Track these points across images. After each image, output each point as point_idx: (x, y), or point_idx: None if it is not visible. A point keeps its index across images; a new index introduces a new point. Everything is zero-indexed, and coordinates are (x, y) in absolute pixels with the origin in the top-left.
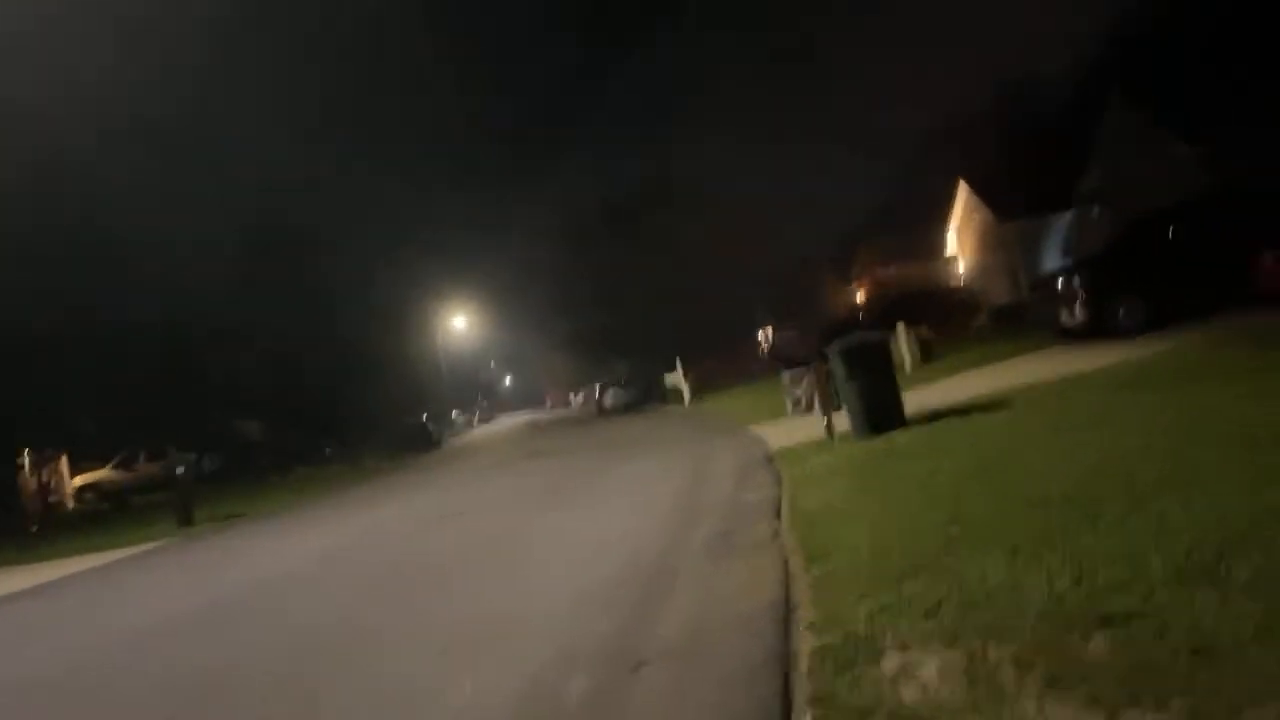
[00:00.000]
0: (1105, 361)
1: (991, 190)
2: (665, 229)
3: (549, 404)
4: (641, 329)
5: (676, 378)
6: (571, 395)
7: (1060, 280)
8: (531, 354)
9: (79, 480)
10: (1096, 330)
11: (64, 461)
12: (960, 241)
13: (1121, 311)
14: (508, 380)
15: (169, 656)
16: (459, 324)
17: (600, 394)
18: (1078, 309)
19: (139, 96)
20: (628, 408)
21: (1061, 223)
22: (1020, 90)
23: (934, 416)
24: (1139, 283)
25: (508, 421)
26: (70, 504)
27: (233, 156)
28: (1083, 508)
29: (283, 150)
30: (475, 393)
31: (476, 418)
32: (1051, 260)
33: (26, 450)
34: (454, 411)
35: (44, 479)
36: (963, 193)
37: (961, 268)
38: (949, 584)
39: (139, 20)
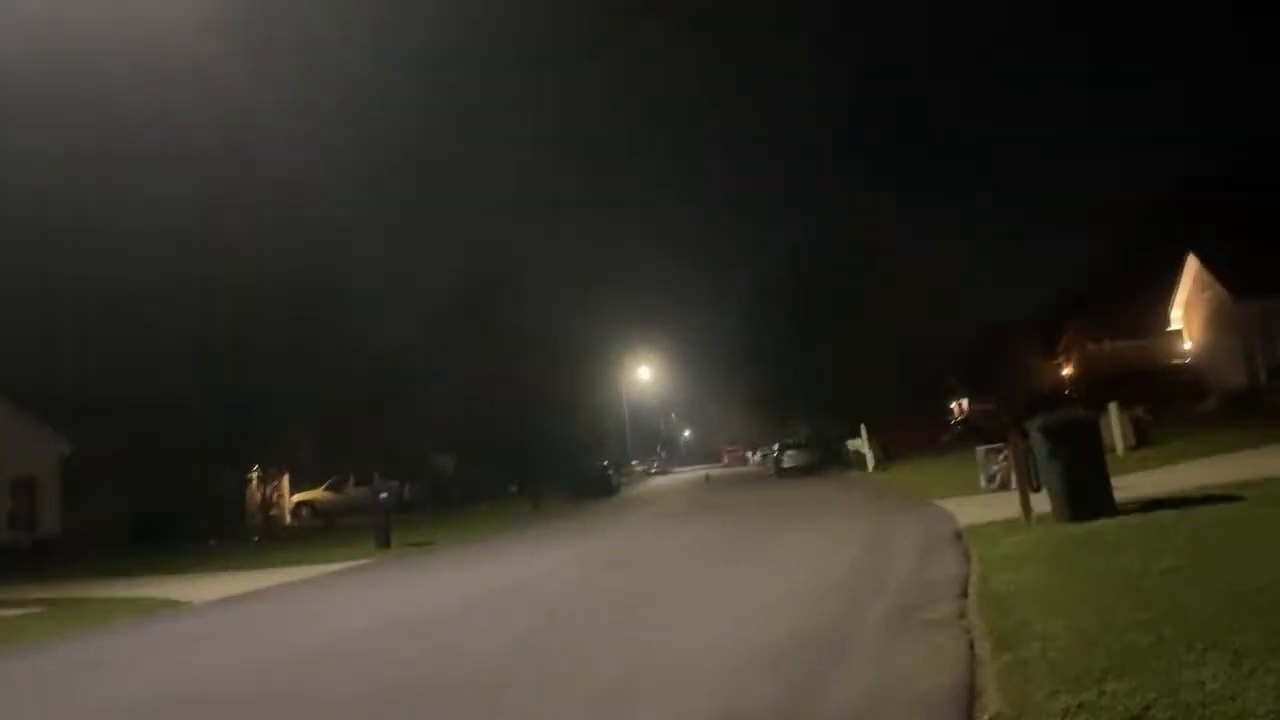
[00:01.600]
0: None
1: (1227, 265)
2: (857, 292)
3: (725, 460)
4: (827, 392)
5: (860, 444)
6: (749, 454)
7: None
8: (712, 410)
9: (297, 498)
10: None
11: (286, 480)
12: (1187, 320)
13: None
14: (686, 433)
15: (368, 658)
16: (644, 375)
17: (779, 454)
18: None
19: (366, 149)
20: (807, 470)
21: None
22: (1262, 154)
23: (1148, 506)
24: None
25: (684, 475)
26: (288, 519)
27: (448, 203)
28: None
29: (493, 201)
30: (655, 444)
31: (654, 468)
32: None
33: (256, 467)
34: (634, 461)
35: (268, 494)
36: (1192, 266)
37: (1187, 347)
38: (1159, 687)
39: (363, 78)
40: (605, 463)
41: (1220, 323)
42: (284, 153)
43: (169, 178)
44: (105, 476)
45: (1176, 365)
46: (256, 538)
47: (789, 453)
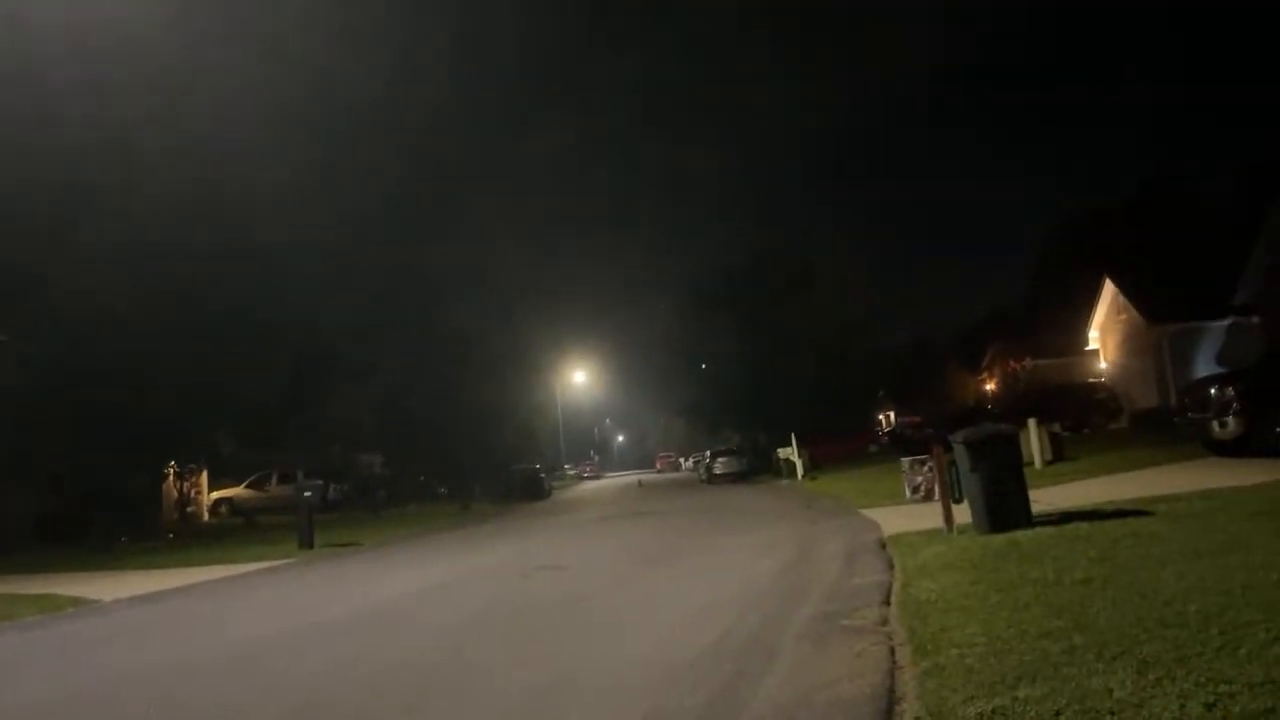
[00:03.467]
0: (1258, 479)
1: (1141, 290)
2: (789, 304)
3: (658, 466)
4: (758, 402)
5: (790, 452)
6: (682, 460)
7: (1213, 389)
8: (645, 416)
9: (216, 494)
10: (1249, 445)
11: (204, 476)
12: (1103, 340)
13: (1279, 428)
14: (620, 439)
15: (278, 666)
16: (578, 379)
17: (711, 461)
18: (1230, 420)
19: (298, 121)
20: (737, 478)
21: (1217, 330)
22: (1176, 184)
23: (1063, 518)
24: None
25: (617, 480)
26: (206, 516)
27: (370, 205)
28: (1223, 630)
29: (420, 202)
30: (588, 449)
31: (587, 472)
32: (1203, 368)
33: (173, 462)
34: (566, 465)
35: (184, 490)
36: (1109, 290)
37: (1103, 366)
38: (1069, 694)
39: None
40: (537, 466)
41: (1134, 345)
42: (210, 118)
43: (82, 149)
44: (10, 472)
45: (1093, 384)
46: (171, 535)
47: (720, 460)
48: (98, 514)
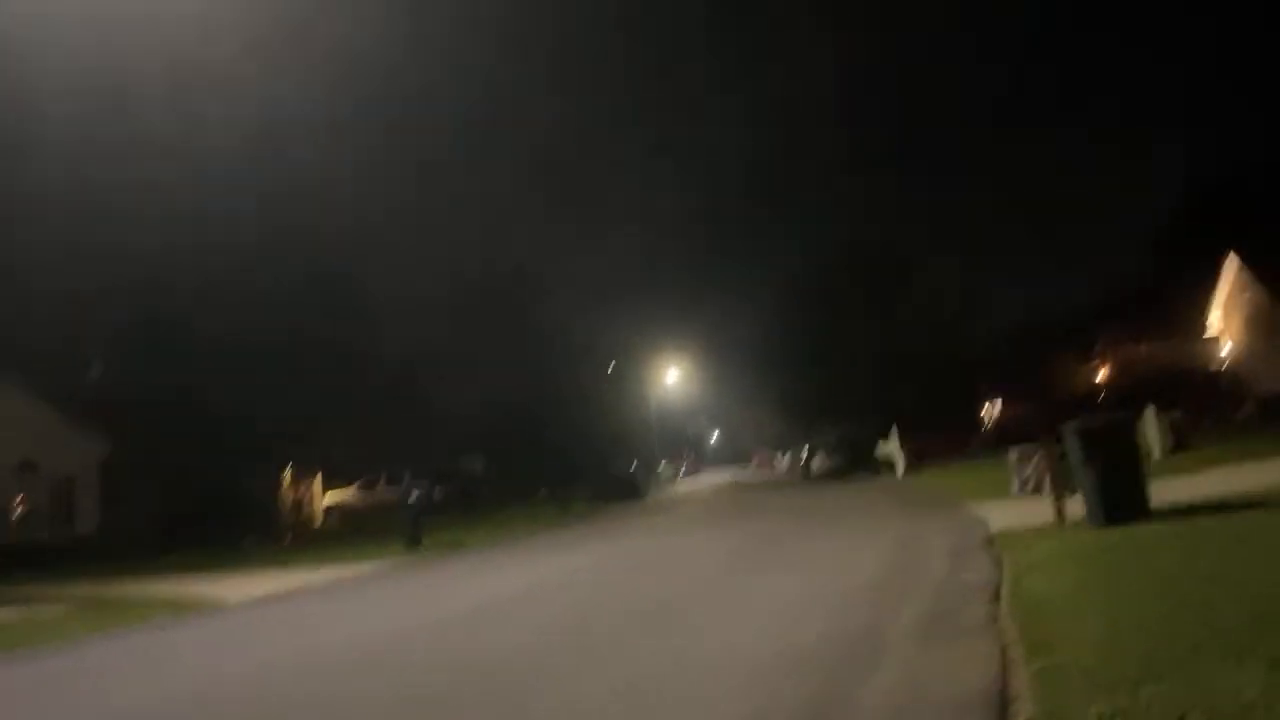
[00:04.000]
0: None
1: (1269, 266)
2: (887, 294)
3: (755, 463)
4: (857, 395)
5: (890, 448)
6: (778, 456)
7: None
8: (741, 412)
9: (327, 500)
10: None
11: (318, 481)
12: (1226, 322)
13: None
14: (715, 436)
15: (397, 661)
16: (672, 377)
17: (808, 457)
18: None
19: (391, 164)
20: (835, 474)
21: None
22: None
23: (1185, 511)
24: None
25: (712, 478)
26: (319, 520)
27: (463, 208)
28: None
29: (513, 205)
30: (683, 446)
31: (683, 471)
32: None
33: (290, 467)
34: (661, 463)
35: (300, 494)
36: (1232, 266)
37: (1226, 351)
38: (1195, 694)
39: (381, 83)
40: (633, 466)
41: (1260, 325)
42: (305, 161)
43: (194, 186)
44: (142, 476)
45: (1215, 369)
46: (289, 538)
47: (818, 456)
48: (221, 517)
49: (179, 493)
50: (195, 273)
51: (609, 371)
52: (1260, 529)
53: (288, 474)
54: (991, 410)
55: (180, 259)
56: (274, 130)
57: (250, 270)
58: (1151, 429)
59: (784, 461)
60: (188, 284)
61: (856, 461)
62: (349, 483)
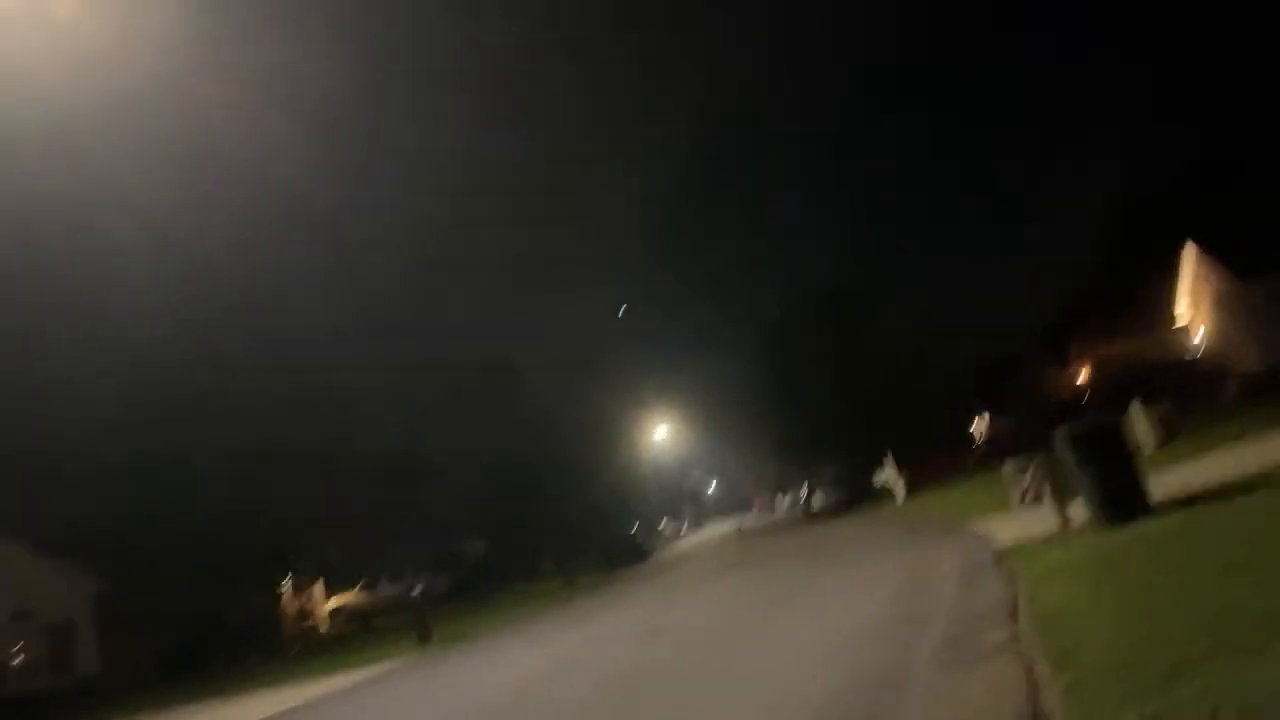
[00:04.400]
0: None
1: (1227, 248)
2: (867, 329)
3: (756, 508)
4: (848, 429)
5: (887, 476)
6: (779, 498)
7: None
8: (735, 459)
9: (331, 604)
10: None
11: (319, 587)
12: (1193, 310)
13: None
14: (712, 486)
15: None
16: (662, 434)
17: (808, 496)
18: None
19: (358, 258)
20: (837, 510)
21: None
22: (1240, 137)
23: (1186, 502)
24: None
25: (715, 528)
26: (324, 627)
27: (433, 298)
28: None
29: (485, 285)
30: (681, 501)
31: (685, 526)
32: None
33: (289, 576)
34: (663, 520)
35: (302, 604)
36: (1190, 255)
37: (1198, 338)
38: (1225, 689)
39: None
40: (635, 527)
41: (1229, 307)
42: (270, 270)
43: (146, 301)
44: (140, 609)
45: (1192, 357)
46: (296, 649)
47: (817, 494)
48: (224, 638)
49: (179, 620)
50: (168, 392)
51: (597, 438)
52: (1264, 512)
53: (287, 585)
54: (981, 426)
55: (147, 382)
56: (246, 243)
57: (225, 384)
58: (1140, 424)
59: (785, 503)
60: (159, 405)
61: (856, 494)
62: (351, 585)
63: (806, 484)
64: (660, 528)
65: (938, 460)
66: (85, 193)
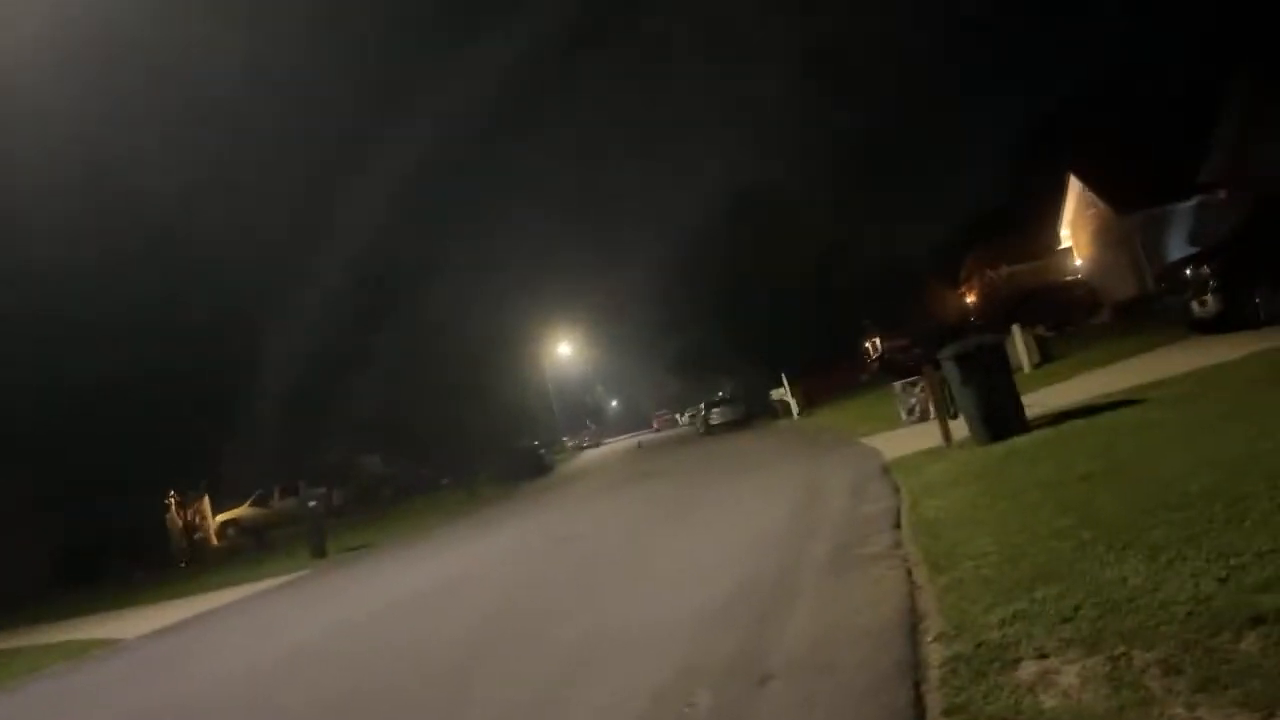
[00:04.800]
0: (1242, 353)
1: (1106, 182)
2: (765, 244)
3: (655, 425)
4: (744, 347)
5: (783, 393)
6: (677, 415)
7: (1189, 269)
8: (636, 376)
9: (221, 517)
10: (1230, 320)
11: (206, 501)
12: (1075, 238)
13: (1257, 299)
14: (614, 404)
15: (318, 671)
16: (564, 350)
17: (706, 412)
18: (1209, 298)
19: (262, 148)
20: (735, 425)
21: (1186, 211)
22: (1127, 73)
23: (1058, 418)
24: (1276, 268)
25: (616, 444)
26: (215, 540)
27: (338, 198)
28: (1226, 505)
29: (385, 191)
30: (583, 417)
31: (586, 441)
32: (1177, 250)
33: (171, 492)
34: (564, 436)
35: (189, 518)
36: (1074, 187)
37: (1077, 263)
38: (1086, 589)
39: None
40: (536, 442)
41: (1106, 238)
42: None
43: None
44: (17, 517)
45: (1070, 282)
46: (184, 564)
47: (715, 410)
48: (109, 551)
49: (59, 531)
50: (46, 290)
51: (498, 353)
52: (1127, 426)
53: (171, 499)
54: (874, 345)
55: (24, 276)
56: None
57: (118, 289)
58: (1019, 345)
59: (684, 419)
60: (35, 301)
61: (753, 410)
62: (243, 500)
63: (704, 402)
64: (563, 441)
65: (833, 377)
66: None
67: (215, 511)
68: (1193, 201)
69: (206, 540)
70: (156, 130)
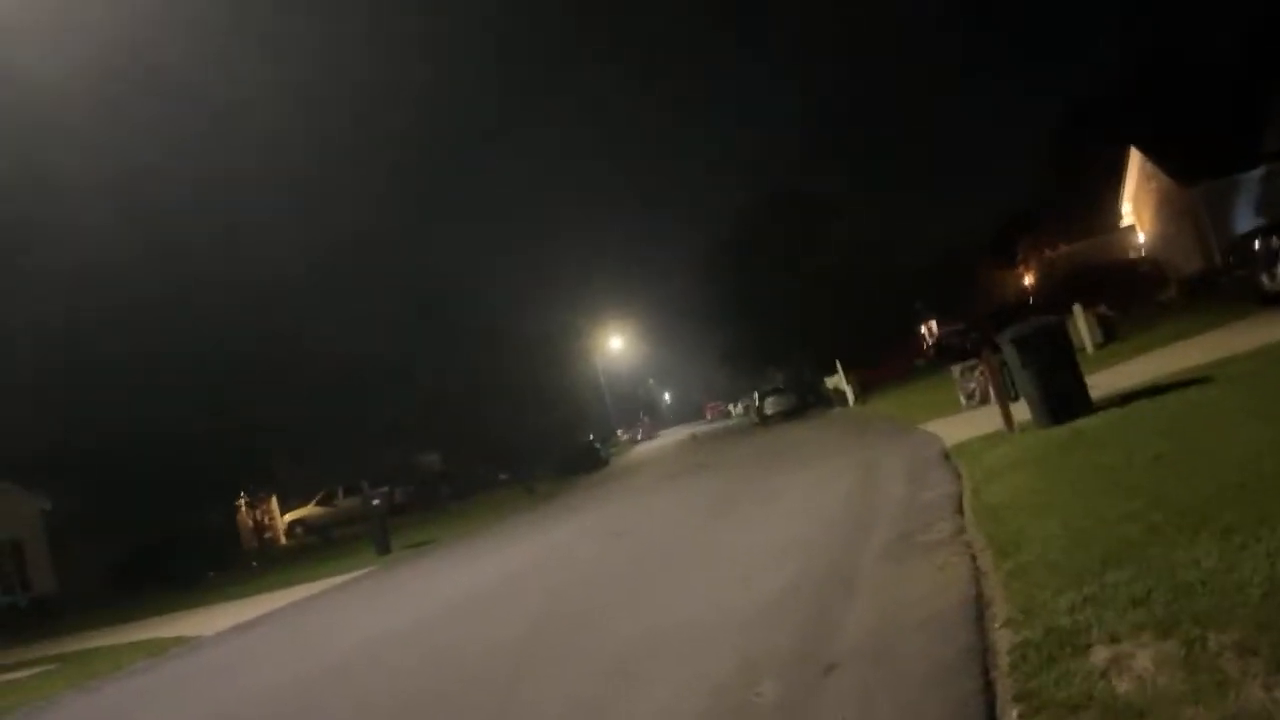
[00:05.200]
0: None
1: (1168, 154)
2: (818, 236)
3: (709, 416)
4: (797, 337)
5: (838, 380)
6: (731, 406)
7: (1258, 241)
8: (689, 368)
9: (289, 517)
10: None
11: (274, 502)
12: (1137, 213)
13: None
14: (667, 396)
15: (397, 661)
16: (616, 345)
17: (760, 402)
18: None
19: (331, 181)
20: (789, 415)
21: (1251, 181)
22: (1187, 44)
23: (1123, 399)
24: None
25: (670, 436)
26: (283, 539)
27: (390, 210)
28: None
29: (444, 199)
30: (637, 411)
31: (640, 434)
32: (1244, 222)
33: (242, 494)
34: (619, 430)
35: (259, 518)
36: (1135, 160)
37: (1140, 240)
38: (1157, 572)
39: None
40: (591, 437)
41: (1169, 211)
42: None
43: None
44: (92, 526)
45: (1134, 259)
46: (255, 563)
47: (769, 399)
48: (181, 555)
49: (133, 537)
50: (109, 310)
51: (551, 350)
52: (1195, 405)
53: (241, 500)
54: (930, 330)
55: (94, 291)
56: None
57: (176, 295)
58: (1081, 325)
59: (738, 409)
60: (107, 318)
61: (808, 399)
62: (307, 499)
63: (757, 391)
64: (617, 435)
65: (889, 363)
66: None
67: (282, 512)
68: (1259, 170)
69: (275, 539)
70: (220, 166)
